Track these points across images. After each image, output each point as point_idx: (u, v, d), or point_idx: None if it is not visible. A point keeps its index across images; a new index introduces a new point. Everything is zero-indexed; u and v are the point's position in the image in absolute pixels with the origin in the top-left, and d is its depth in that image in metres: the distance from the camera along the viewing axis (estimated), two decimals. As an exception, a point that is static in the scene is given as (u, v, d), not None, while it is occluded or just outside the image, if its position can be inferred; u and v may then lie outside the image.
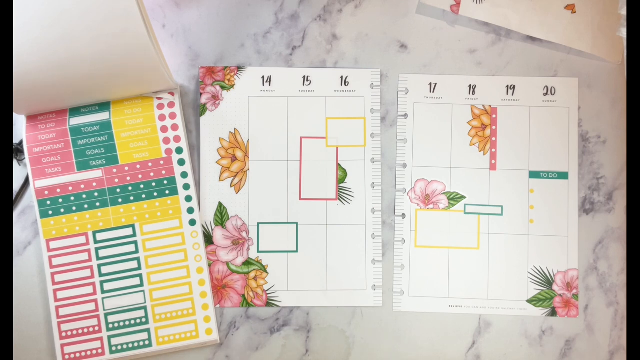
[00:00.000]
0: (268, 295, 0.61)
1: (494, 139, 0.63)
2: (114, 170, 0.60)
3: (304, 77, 0.63)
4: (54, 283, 0.59)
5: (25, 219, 0.62)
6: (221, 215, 0.62)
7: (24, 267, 0.61)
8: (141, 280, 0.60)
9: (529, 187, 0.63)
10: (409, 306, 0.62)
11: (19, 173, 0.62)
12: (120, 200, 0.60)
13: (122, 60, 0.54)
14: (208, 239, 0.62)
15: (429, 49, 0.64)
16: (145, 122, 0.61)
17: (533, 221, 0.62)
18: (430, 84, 0.63)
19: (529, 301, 0.62)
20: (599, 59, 0.63)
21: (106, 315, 0.59)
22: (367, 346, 0.61)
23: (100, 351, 0.59)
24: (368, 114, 0.63)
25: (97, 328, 0.59)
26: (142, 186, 0.60)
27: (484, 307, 0.62)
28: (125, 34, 0.53)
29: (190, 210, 0.61)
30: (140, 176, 0.60)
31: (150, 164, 0.60)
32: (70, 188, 0.60)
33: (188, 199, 0.61)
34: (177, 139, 0.61)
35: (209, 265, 0.61)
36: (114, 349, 0.59)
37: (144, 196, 0.60)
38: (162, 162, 0.61)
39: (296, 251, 0.62)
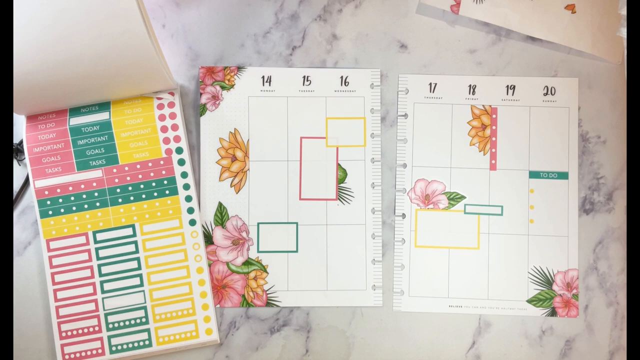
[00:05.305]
0: (268, 295, 0.61)
1: (494, 139, 0.63)
2: (114, 170, 0.60)
3: (304, 77, 0.63)
4: (54, 283, 0.59)
5: (25, 219, 0.62)
6: (221, 215, 0.62)
7: (24, 267, 0.61)
8: (141, 280, 0.60)
9: (529, 187, 0.63)
10: (409, 306, 0.62)
11: (19, 173, 0.62)
12: (120, 200, 0.60)
13: (122, 60, 0.54)
14: (208, 239, 0.62)
15: (429, 49, 0.64)
16: (145, 122, 0.61)
17: (533, 221, 0.62)
18: (430, 84, 0.63)
19: (529, 301, 0.62)
20: (599, 59, 0.63)
21: (106, 315, 0.59)
22: (367, 346, 0.61)
23: (100, 351, 0.59)
24: (368, 114, 0.63)
25: (97, 328, 0.59)
26: (142, 186, 0.60)
27: (484, 307, 0.62)
28: (125, 34, 0.53)
29: (190, 210, 0.61)
30: (140, 176, 0.60)
31: (150, 164, 0.60)
32: (70, 188, 0.60)
33: (188, 199, 0.61)
34: (177, 139, 0.61)
35: (209, 265, 0.61)
36: (114, 349, 0.59)
37: (144, 196, 0.60)
38: (162, 162, 0.61)
39: (296, 251, 0.62)
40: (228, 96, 0.63)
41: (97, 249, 0.60)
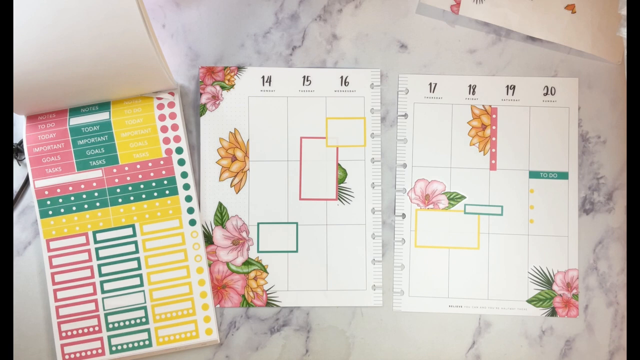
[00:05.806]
0: (268, 295, 0.61)
1: (494, 139, 0.63)
2: (114, 170, 0.60)
3: (304, 77, 0.63)
4: (54, 283, 0.59)
5: (25, 219, 0.62)
6: (221, 215, 0.62)
7: (24, 267, 0.61)
8: (141, 280, 0.60)
9: (529, 187, 0.63)
10: (409, 306, 0.62)
11: (19, 173, 0.62)
12: (120, 200, 0.60)
13: (122, 60, 0.54)
14: (208, 239, 0.62)
15: (429, 49, 0.64)
16: (145, 122, 0.61)
17: (533, 221, 0.62)
18: (430, 84, 0.63)
19: (529, 301, 0.62)
20: (599, 59, 0.63)
21: (106, 315, 0.59)
22: (367, 346, 0.61)
23: (100, 351, 0.59)
24: (368, 114, 0.63)
25: (97, 328, 0.59)
26: (142, 186, 0.60)
27: (484, 307, 0.62)
28: (125, 34, 0.53)
29: (190, 210, 0.61)
30: (140, 176, 0.60)
31: (150, 164, 0.60)
32: (70, 188, 0.60)
33: (188, 199, 0.61)
34: (177, 139, 0.61)
35: (209, 265, 0.61)
36: (114, 349, 0.59)
37: (144, 196, 0.60)
38: (162, 162, 0.61)
39: (296, 251, 0.62)
40: (228, 96, 0.63)
41: (97, 249, 0.60)
